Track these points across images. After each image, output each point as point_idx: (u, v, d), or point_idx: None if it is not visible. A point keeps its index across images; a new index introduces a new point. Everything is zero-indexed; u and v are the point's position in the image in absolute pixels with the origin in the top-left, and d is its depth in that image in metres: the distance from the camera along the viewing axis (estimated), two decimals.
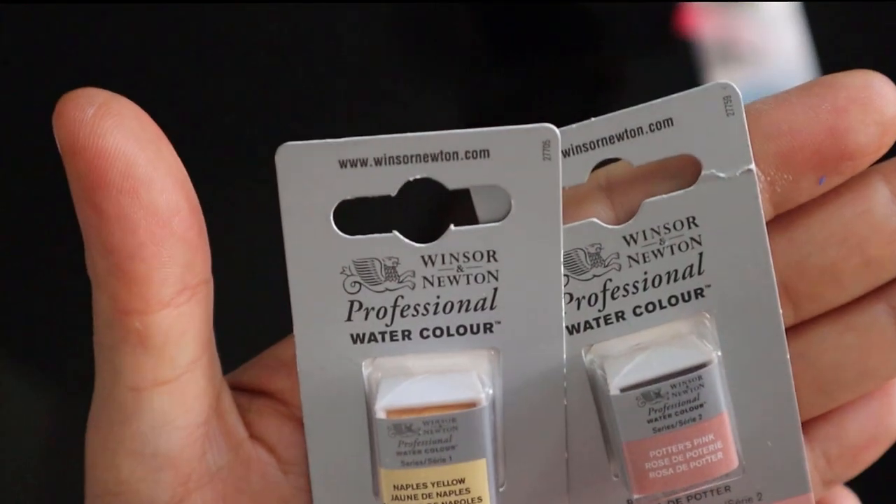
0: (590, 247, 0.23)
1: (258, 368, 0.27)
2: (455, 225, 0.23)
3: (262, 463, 0.25)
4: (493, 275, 0.22)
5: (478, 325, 0.23)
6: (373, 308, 0.22)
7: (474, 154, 0.21)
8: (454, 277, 0.22)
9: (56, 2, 0.84)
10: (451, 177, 0.21)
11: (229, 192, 0.88)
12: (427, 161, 0.21)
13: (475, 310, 0.22)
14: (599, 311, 0.23)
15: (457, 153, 0.21)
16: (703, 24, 0.81)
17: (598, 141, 0.23)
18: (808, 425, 0.27)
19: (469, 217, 0.23)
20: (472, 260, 0.22)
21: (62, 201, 0.93)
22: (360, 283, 0.22)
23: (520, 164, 0.22)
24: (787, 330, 0.26)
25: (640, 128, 0.23)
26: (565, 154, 0.23)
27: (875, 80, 0.29)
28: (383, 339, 0.23)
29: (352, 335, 0.23)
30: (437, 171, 0.22)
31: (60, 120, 0.22)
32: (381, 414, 0.22)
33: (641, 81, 0.86)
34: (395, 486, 0.22)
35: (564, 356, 0.23)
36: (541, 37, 0.84)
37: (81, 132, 0.22)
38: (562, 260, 0.22)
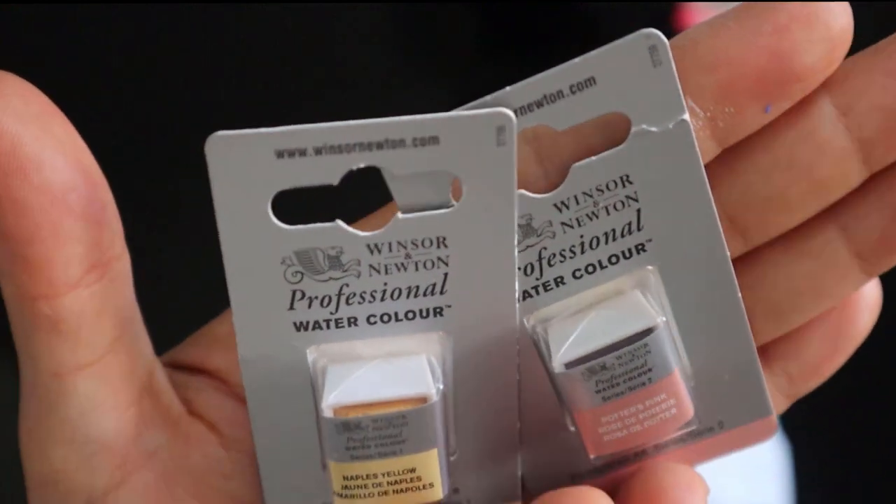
0: (520, 219, 0.22)
1: (194, 346, 0.26)
2: (402, 212, 0.22)
3: (202, 440, 0.24)
4: (443, 261, 0.22)
5: (427, 310, 0.22)
6: (316, 297, 0.22)
7: (422, 141, 0.21)
8: (402, 265, 0.22)
9: (55, 2, 0.84)
10: (397, 165, 0.21)
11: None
12: (371, 149, 0.20)
13: (424, 295, 0.22)
14: (537, 279, 0.23)
15: (403, 140, 0.21)
16: None
17: (517, 111, 0.22)
18: (765, 348, 0.27)
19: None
20: (421, 247, 0.22)
21: None
22: (302, 273, 0.21)
23: (472, 150, 0.21)
24: (738, 260, 0.25)
25: (561, 91, 0.22)
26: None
27: None
28: (328, 327, 0.22)
29: (294, 323, 0.22)
30: (383, 159, 0.21)
31: None
32: (328, 413, 0.21)
33: None
34: (344, 478, 0.21)
35: (516, 332, 0.23)
36: (539, 36, 0.84)
37: None
38: (516, 244, 0.22)
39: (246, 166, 0.21)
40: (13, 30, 0.85)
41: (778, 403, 0.28)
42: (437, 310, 0.22)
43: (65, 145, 0.22)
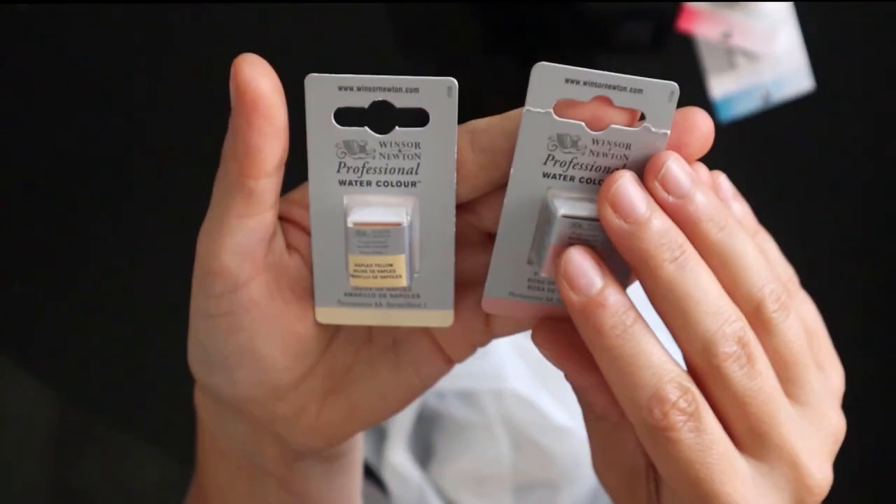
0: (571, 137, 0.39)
1: (285, 205, 0.42)
2: (399, 126, 0.39)
3: (293, 259, 0.41)
4: (417, 155, 0.39)
5: (408, 182, 0.40)
6: (350, 167, 0.39)
7: (410, 90, 0.38)
8: (396, 154, 0.39)
9: (55, 2, 0.84)
10: (398, 101, 0.38)
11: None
12: (385, 91, 0.38)
13: (407, 173, 0.39)
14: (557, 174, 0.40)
15: (401, 88, 0.38)
16: (703, 24, 0.81)
17: (601, 85, 0.38)
18: None
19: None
20: (406, 147, 0.39)
21: (62, 203, 0.93)
22: (345, 153, 0.39)
23: (436, 97, 0.38)
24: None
25: (625, 87, 0.38)
26: (584, 83, 0.38)
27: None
28: (356, 185, 0.39)
29: (339, 181, 0.39)
30: (390, 97, 0.38)
31: (237, 71, 0.38)
32: (350, 224, 0.39)
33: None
34: (355, 265, 0.40)
35: (454, 207, 0.40)
36: (540, 36, 0.84)
37: (247, 80, 0.37)
38: (455, 147, 0.39)
39: (323, 93, 0.38)
40: (12, 29, 0.85)
41: None
42: (413, 182, 0.40)
43: (283, 104, 0.38)
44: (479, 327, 0.43)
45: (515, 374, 0.74)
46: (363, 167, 0.39)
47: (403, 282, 0.40)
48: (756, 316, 0.39)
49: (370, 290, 0.42)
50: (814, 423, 0.40)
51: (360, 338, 0.44)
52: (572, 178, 0.39)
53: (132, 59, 0.85)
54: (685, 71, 0.82)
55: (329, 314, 0.42)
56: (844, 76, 0.83)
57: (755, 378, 0.38)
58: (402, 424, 0.75)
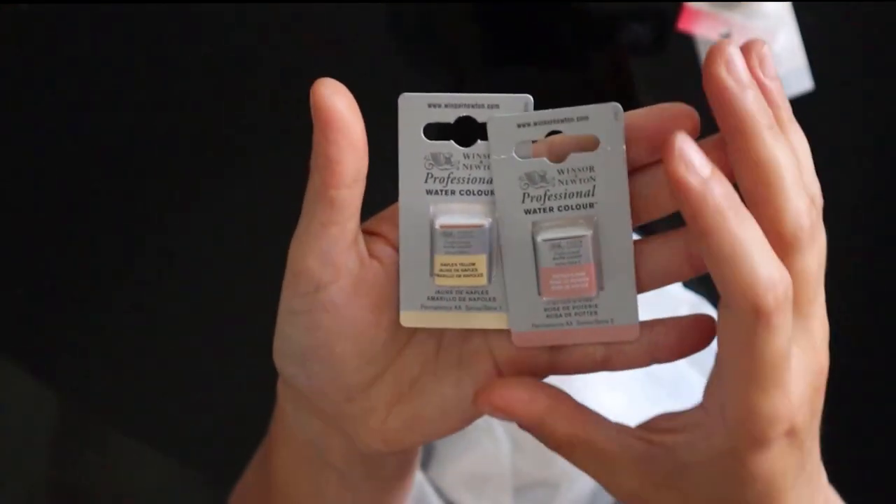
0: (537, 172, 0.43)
1: (374, 221, 0.45)
2: (481, 140, 0.43)
3: (373, 266, 0.44)
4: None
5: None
6: (437, 178, 0.43)
7: (489, 106, 0.42)
8: (479, 165, 0.43)
9: (56, 2, 0.84)
10: (479, 116, 0.42)
11: (217, 183, 0.88)
12: (469, 108, 0.42)
13: (485, 182, 0.43)
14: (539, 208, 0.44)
15: (483, 104, 0.42)
16: (703, 24, 0.81)
17: (551, 122, 0.42)
18: None
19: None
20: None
21: (62, 204, 0.93)
22: (432, 164, 0.43)
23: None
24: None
25: (572, 118, 0.42)
26: (535, 124, 0.42)
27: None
28: (441, 193, 0.43)
29: (426, 190, 0.43)
30: (473, 112, 0.42)
31: (314, 93, 0.41)
32: (437, 226, 0.43)
33: (642, 80, 0.86)
34: (441, 265, 0.44)
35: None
36: (542, 38, 0.84)
37: (323, 99, 0.41)
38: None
39: (414, 110, 0.42)
40: (12, 29, 0.85)
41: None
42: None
43: (359, 120, 0.41)
44: (544, 358, 0.45)
45: None
46: (448, 177, 0.43)
47: (484, 280, 0.43)
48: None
49: (451, 295, 0.45)
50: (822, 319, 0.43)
51: (429, 351, 0.46)
52: (551, 209, 0.43)
53: (132, 59, 0.85)
54: (685, 71, 0.82)
55: (412, 318, 0.45)
56: (843, 76, 0.83)
57: (816, 258, 0.42)
58: None
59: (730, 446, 0.41)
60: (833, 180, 0.84)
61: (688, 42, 0.81)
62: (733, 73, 0.39)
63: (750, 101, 0.39)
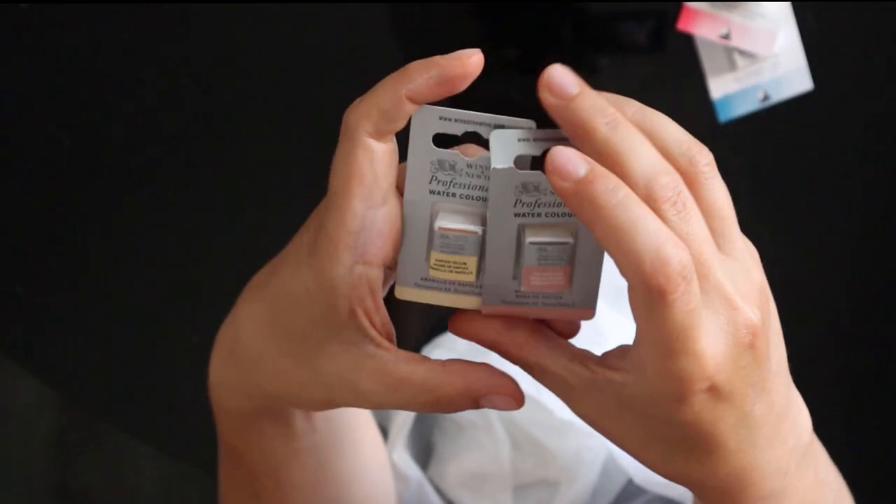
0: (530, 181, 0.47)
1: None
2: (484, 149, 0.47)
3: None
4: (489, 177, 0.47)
5: (485, 198, 0.47)
6: (441, 181, 0.47)
7: (495, 126, 0.46)
8: (479, 175, 0.47)
9: (58, 2, 0.84)
10: (484, 132, 0.46)
11: (222, 183, 0.88)
12: (476, 125, 0.46)
13: (484, 190, 0.47)
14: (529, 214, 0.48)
15: (489, 123, 0.46)
16: (703, 24, 0.81)
17: (549, 140, 0.46)
18: None
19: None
20: (486, 169, 0.46)
21: (63, 204, 0.93)
22: (438, 168, 0.47)
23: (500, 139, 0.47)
24: None
25: (568, 139, 0.45)
26: (534, 140, 0.46)
27: None
28: (443, 195, 0.47)
29: (430, 190, 0.47)
30: (480, 129, 0.46)
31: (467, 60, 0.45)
32: (437, 228, 0.47)
33: (642, 80, 0.86)
34: (436, 260, 0.48)
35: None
36: (539, 36, 0.84)
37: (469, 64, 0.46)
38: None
39: (426, 120, 0.46)
40: (12, 29, 0.86)
41: None
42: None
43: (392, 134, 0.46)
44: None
45: (515, 372, 0.74)
46: (451, 182, 0.47)
47: (473, 277, 0.48)
48: (689, 171, 0.44)
49: (442, 279, 0.50)
50: (741, 273, 0.43)
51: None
52: (538, 215, 0.47)
53: (132, 59, 0.85)
54: (685, 71, 0.82)
55: (406, 293, 0.50)
56: (843, 77, 0.83)
57: (690, 223, 0.43)
58: (402, 423, 0.75)
59: (656, 395, 0.43)
60: (833, 180, 0.84)
61: (688, 42, 0.81)
62: (556, 91, 0.44)
63: (577, 110, 0.43)
